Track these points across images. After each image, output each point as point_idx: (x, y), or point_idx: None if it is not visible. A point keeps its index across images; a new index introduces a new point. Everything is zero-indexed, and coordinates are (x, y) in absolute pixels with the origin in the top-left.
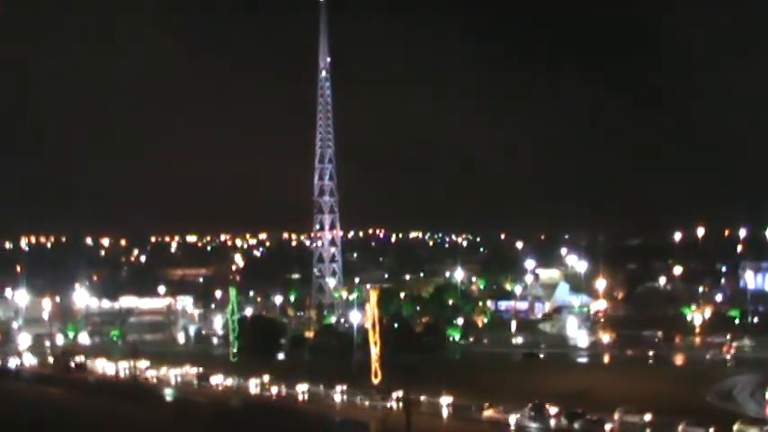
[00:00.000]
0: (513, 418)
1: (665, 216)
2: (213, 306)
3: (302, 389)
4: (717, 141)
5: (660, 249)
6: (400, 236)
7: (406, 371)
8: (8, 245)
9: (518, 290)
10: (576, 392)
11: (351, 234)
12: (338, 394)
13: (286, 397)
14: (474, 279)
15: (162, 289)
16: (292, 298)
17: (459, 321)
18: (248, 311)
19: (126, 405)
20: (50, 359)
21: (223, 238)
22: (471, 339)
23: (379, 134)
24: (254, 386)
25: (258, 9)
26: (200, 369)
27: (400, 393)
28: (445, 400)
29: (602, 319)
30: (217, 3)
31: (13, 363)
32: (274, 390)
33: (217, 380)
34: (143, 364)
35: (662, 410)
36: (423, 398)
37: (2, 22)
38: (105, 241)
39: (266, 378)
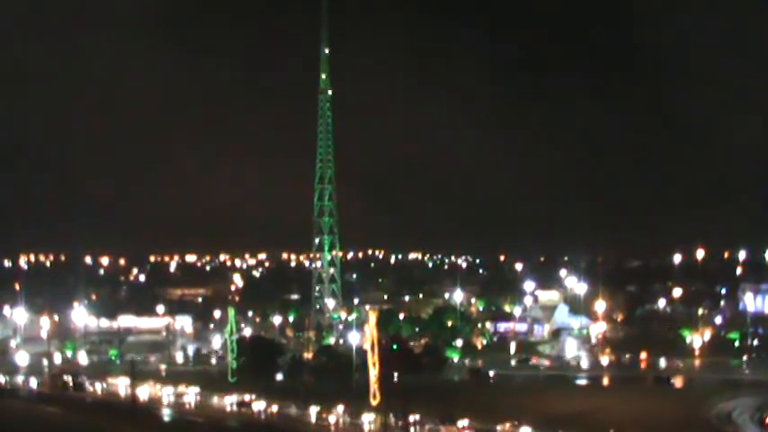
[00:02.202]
0: None
1: (664, 238)
2: (212, 326)
3: (369, 419)
4: (718, 164)
5: (660, 271)
6: (400, 257)
7: (405, 392)
8: (7, 263)
9: (517, 311)
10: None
11: (350, 255)
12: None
13: (351, 428)
14: (473, 300)
15: (161, 308)
16: (291, 318)
17: (459, 343)
18: (247, 332)
19: (123, 425)
20: (48, 378)
21: (222, 258)
22: (467, 361)
23: (379, 155)
24: (314, 415)
25: (259, 29)
26: (251, 396)
27: (466, 422)
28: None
29: (597, 341)
30: (218, 24)
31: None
32: (332, 419)
33: (259, 406)
34: (185, 388)
35: None
36: (499, 428)
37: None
38: (104, 260)
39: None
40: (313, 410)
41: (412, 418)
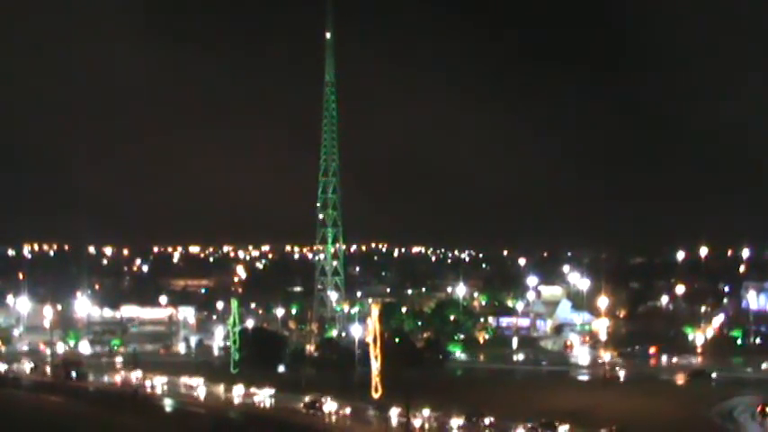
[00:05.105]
0: None
1: (668, 235)
2: (215, 317)
3: (457, 423)
4: (721, 161)
5: (663, 268)
6: (403, 250)
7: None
8: (11, 252)
9: (520, 306)
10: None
11: (353, 248)
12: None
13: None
14: (476, 295)
15: (164, 299)
16: (294, 311)
17: (461, 337)
18: (250, 323)
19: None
20: (50, 367)
21: (226, 249)
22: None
23: (383, 149)
24: (395, 416)
25: (263, 22)
26: (315, 396)
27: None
28: None
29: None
30: (222, 16)
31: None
32: (417, 423)
33: (330, 407)
34: (257, 389)
35: None
36: None
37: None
38: (108, 250)
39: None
40: (393, 412)
41: (487, 420)
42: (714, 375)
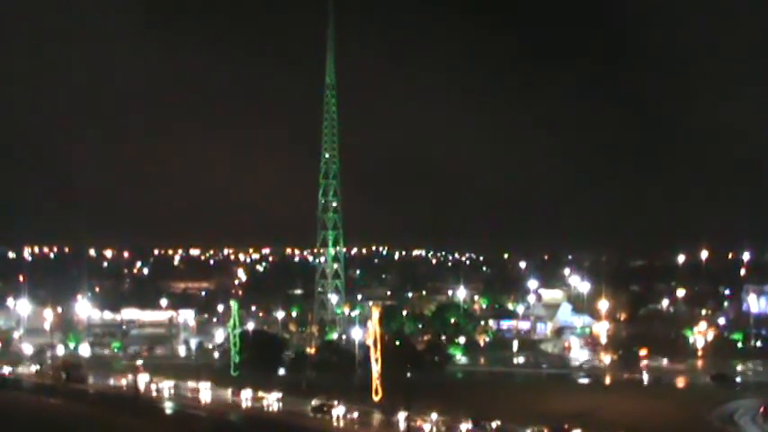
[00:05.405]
0: None
1: (668, 238)
2: (215, 320)
3: (466, 427)
4: (721, 162)
5: (663, 271)
6: (403, 253)
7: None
8: (11, 254)
9: (520, 309)
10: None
11: (354, 251)
12: None
13: None
14: (476, 298)
15: (164, 302)
16: (294, 313)
17: (461, 340)
18: (250, 326)
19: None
20: (50, 370)
21: (226, 252)
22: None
23: (383, 150)
24: (402, 420)
25: (263, 22)
26: (323, 400)
27: None
28: None
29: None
30: (222, 16)
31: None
32: (426, 427)
33: (338, 411)
34: (265, 393)
35: None
36: None
37: (5, 35)
38: (108, 253)
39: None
40: (401, 416)
41: (494, 424)
42: (738, 380)
